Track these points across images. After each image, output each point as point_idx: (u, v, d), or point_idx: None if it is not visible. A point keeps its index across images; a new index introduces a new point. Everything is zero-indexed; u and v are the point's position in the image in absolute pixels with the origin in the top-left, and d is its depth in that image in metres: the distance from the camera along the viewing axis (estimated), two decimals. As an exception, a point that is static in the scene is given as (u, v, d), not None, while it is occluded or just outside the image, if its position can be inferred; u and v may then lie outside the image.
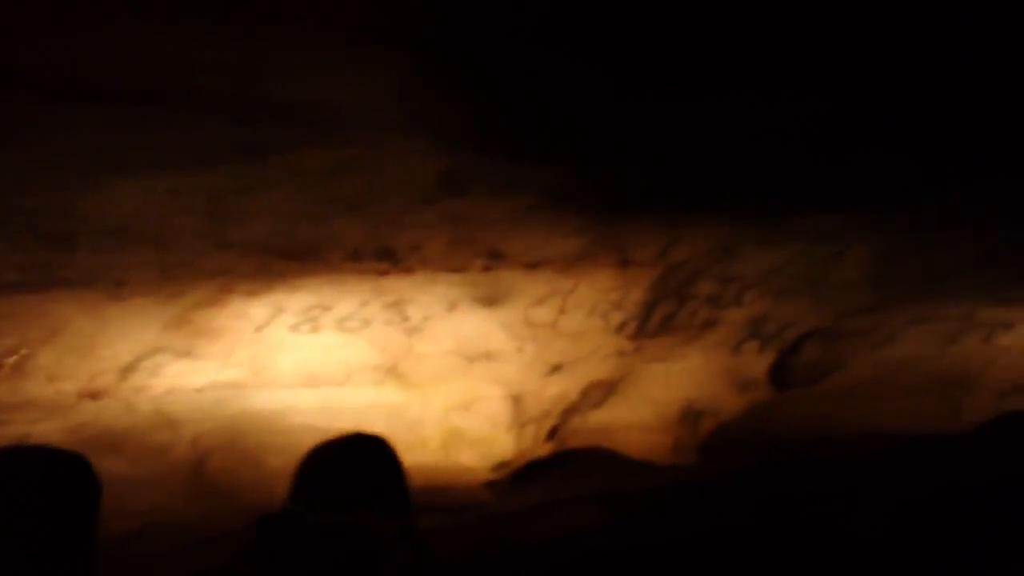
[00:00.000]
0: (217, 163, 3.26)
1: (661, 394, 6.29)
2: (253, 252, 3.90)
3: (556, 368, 5.53)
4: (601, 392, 6.04)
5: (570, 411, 6.03)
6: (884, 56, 3.58)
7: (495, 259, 4.50)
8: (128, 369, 4.71)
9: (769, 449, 7.06)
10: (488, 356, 5.33)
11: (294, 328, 4.91)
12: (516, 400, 5.71)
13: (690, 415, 6.49)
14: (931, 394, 7.12)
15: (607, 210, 4.29)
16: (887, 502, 7.73)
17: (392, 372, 5.47)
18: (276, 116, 3.11)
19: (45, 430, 4.92)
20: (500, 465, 6.18)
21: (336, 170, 3.45)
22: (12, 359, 4.39)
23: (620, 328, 5.32)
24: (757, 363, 6.22)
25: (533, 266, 4.63)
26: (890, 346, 6.53)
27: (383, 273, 4.42)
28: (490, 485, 6.61)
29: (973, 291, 5.93)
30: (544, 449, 6.31)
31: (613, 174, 4.03)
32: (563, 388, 5.75)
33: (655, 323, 5.43)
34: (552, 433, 6.17)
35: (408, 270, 4.43)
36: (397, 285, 4.62)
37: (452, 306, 4.90)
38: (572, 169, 3.88)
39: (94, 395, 4.85)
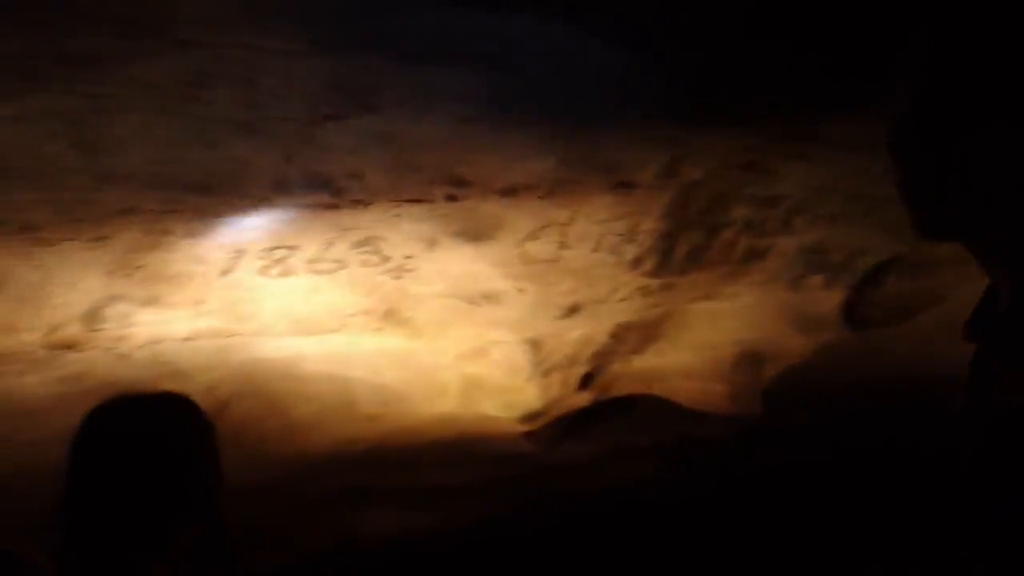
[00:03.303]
0: (52, 82, 2.79)
1: (712, 337, 5.56)
2: (150, 186, 3.45)
3: (572, 310, 4.91)
4: (638, 336, 5.37)
5: (603, 357, 5.40)
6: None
7: (457, 186, 3.91)
8: (90, 319, 4.40)
9: (847, 396, 6.23)
10: (489, 298, 4.76)
11: (263, 272, 4.49)
12: (534, 346, 5.14)
13: (747, 360, 5.73)
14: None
15: (572, 121, 3.61)
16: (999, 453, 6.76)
17: (390, 317, 4.99)
18: (91, 16, 2.61)
19: (39, 381, 4.72)
20: (530, 415, 5.64)
21: (194, 83, 2.96)
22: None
23: (636, 264, 4.63)
24: (824, 299, 5.39)
25: (508, 193, 4.01)
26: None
27: (331, 207, 3.89)
28: (531, 436, 6.11)
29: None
30: (581, 398, 5.72)
31: (562, 73, 3.34)
32: (586, 332, 5.13)
33: (681, 257, 4.70)
34: (586, 381, 5.55)
35: (360, 203, 3.90)
36: (358, 221, 4.11)
37: (431, 243, 4.35)
38: (502, 71, 3.22)
39: (68, 346, 4.58)
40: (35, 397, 4.37)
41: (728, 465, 6.38)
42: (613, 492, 6.67)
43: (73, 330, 4.52)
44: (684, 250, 4.69)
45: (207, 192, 3.63)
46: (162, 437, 1.56)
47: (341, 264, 4.51)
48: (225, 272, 4.47)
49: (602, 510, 6.83)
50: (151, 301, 4.50)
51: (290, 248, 4.36)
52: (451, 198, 3.99)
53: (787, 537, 6.04)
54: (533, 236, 4.42)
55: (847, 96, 3.88)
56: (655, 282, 4.85)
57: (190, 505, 1.51)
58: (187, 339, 4.92)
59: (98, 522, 1.43)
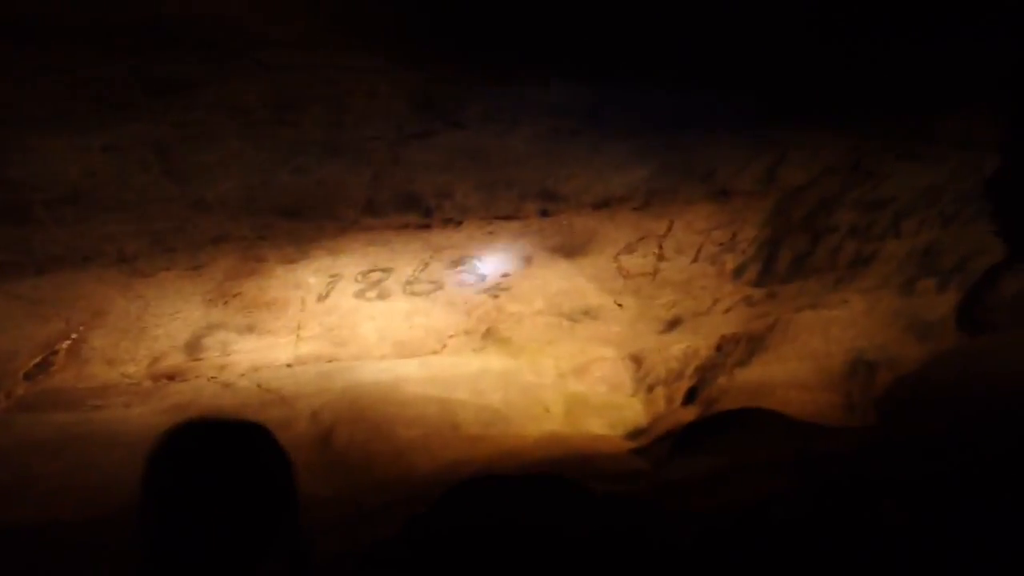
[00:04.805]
0: (140, 110, 2.83)
1: (821, 346, 5.36)
2: (241, 212, 3.48)
3: (673, 324, 4.80)
4: (744, 348, 5.22)
5: (708, 370, 5.26)
6: None
7: (550, 201, 3.86)
8: (191, 348, 4.47)
9: (969, 404, 5.92)
10: (588, 314, 4.68)
11: (360, 295, 4.50)
12: (636, 361, 5.03)
13: (860, 369, 5.50)
14: None
15: (668, 127, 3.52)
16: None
17: (490, 337, 4.96)
18: (175, 41, 2.64)
19: (144, 412, 4.79)
20: (636, 432, 5.53)
21: (281, 105, 2.96)
22: (65, 344, 4.25)
23: (738, 273, 4.49)
24: (938, 304, 5.16)
25: (601, 206, 3.94)
26: None
27: (423, 227, 3.88)
28: (642, 453, 5.98)
29: None
30: (687, 413, 5.57)
31: (662, 79, 3.26)
32: (689, 345, 5.01)
33: (784, 265, 4.55)
34: (692, 395, 5.42)
35: (451, 221, 3.87)
36: (451, 240, 4.08)
37: (527, 260, 4.30)
38: (593, 83, 3.16)
39: (171, 376, 4.66)
40: (141, 429, 4.42)
41: (856, 480, 6.12)
42: (736, 510, 6.46)
43: (175, 360, 4.59)
44: (788, 258, 4.55)
45: (298, 216, 3.64)
46: (230, 463, 1.50)
47: (437, 285, 4.50)
48: (322, 297, 4.50)
49: (725, 529, 6.62)
50: (250, 328, 4.55)
51: (385, 270, 4.36)
52: (544, 213, 3.94)
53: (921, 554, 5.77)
54: (629, 249, 4.34)
55: (960, 89, 3.72)
56: (759, 291, 4.71)
57: (260, 529, 1.47)
58: (289, 365, 4.96)
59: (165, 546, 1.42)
